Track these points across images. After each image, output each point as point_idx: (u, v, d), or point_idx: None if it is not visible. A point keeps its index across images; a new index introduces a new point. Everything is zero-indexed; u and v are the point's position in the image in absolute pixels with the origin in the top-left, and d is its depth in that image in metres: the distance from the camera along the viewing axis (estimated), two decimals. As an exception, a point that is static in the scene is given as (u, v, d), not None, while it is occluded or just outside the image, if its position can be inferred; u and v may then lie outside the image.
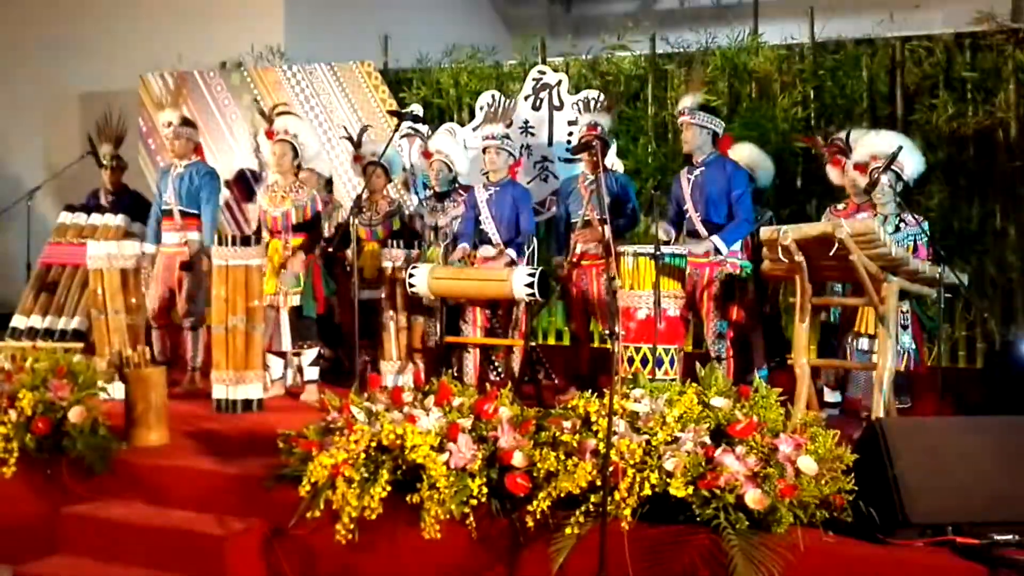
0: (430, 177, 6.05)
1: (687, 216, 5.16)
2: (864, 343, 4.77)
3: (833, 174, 5.44)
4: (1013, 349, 5.16)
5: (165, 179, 6.13)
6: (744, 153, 5.65)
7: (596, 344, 6.08)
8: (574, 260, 5.61)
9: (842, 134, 5.41)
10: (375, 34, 7.57)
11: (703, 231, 5.07)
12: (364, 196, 5.79)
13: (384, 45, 7.54)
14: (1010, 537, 2.96)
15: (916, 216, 4.81)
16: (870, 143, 4.91)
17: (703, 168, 5.16)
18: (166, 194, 6.05)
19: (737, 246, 5.10)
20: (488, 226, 5.61)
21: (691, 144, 5.16)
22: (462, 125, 7.01)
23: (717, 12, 9.80)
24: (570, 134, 6.68)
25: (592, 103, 6.22)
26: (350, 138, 6.49)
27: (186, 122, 6.24)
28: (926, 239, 4.78)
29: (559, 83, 6.79)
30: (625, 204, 5.61)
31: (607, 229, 5.07)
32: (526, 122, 6.82)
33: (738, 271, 5.07)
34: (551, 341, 6.94)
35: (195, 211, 6.03)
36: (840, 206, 5.22)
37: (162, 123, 6.20)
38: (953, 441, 3.22)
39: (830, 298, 4.84)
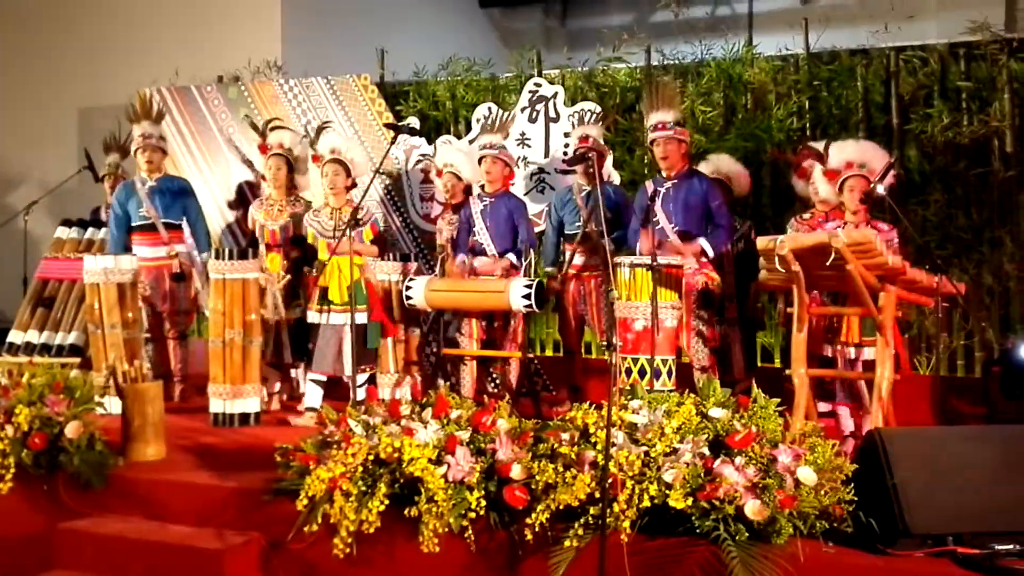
0: (442, 193, 6.04)
1: (658, 228, 5.15)
2: (851, 352, 4.74)
3: (799, 185, 5.48)
4: (1013, 352, 5.16)
5: (133, 195, 6.10)
6: (720, 163, 5.70)
7: (594, 355, 6.08)
8: (571, 271, 5.62)
9: (819, 144, 5.41)
10: (372, 48, 7.59)
11: (678, 242, 5.07)
12: (324, 201, 5.62)
13: (381, 58, 7.56)
14: (1011, 547, 2.95)
15: (888, 224, 4.79)
16: (845, 150, 4.88)
17: (676, 181, 5.18)
18: (142, 209, 6.03)
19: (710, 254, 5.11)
20: (483, 237, 5.61)
21: (672, 158, 5.18)
22: (459, 138, 7.02)
23: (712, 24, 9.85)
24: (566, 146, 6.69)
25: (586, 116, 6.25)
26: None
27: (162, 136, 6.28)
28: (894, 246, 4.72)
29: (555, 95, 6.80)
30: (623, 215, 5.62)
31: (605, 241, 5.08)
32: (522, 134, 6.82)
33: (712, 282, 5.06)
34: (548, 352, 6.94)
35: (176, 222, 6.07)
36: (806, 215, 5.22)
37: (139, 135, 6.17)
38: (953, 450, 3.21)
39: (828, 307, 4.83)
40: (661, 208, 5.17)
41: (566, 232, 5.77)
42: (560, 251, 5.86)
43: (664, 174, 5.23)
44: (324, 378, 5.36)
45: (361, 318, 5.22)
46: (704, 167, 5.69)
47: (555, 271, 5.79)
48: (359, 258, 5.30)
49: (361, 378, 5.31)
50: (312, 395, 5.38)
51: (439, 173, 6.04)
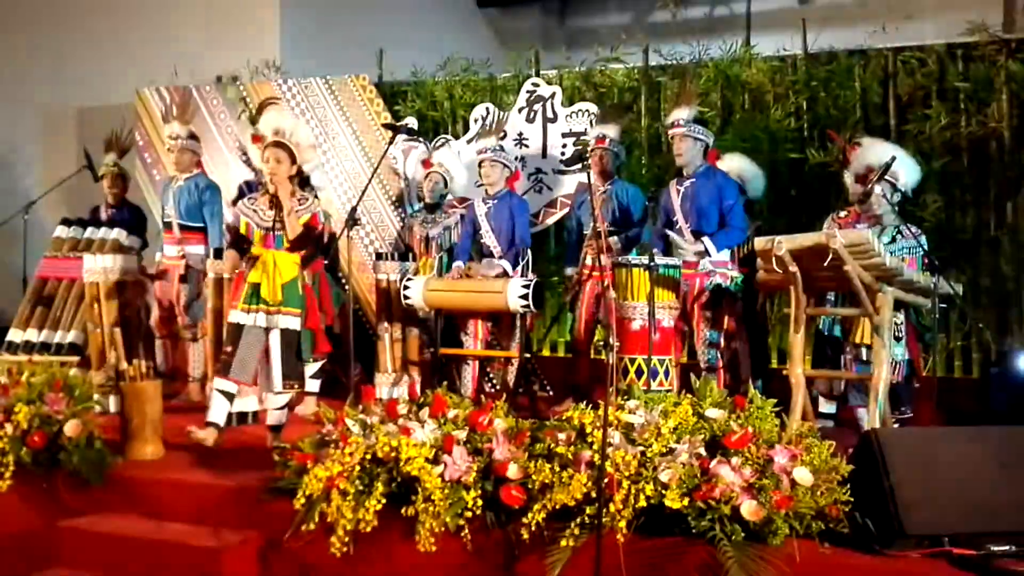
0: (424, 188, 6.06)
1: (676, 227, 5.18)
2: (864, 353, 4.76)
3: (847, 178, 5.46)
4: (1010, 361, 5.16)
5: (167, 193, 6.22)
6: (734, 163, 5.69)
7: (602, 356, 6.08)
8: (585, 270, 5.63)
9: (864, 140, 5.38)
10: (370, 48, 7.60)
11: (689, 238, 5.08)
12: (257, 190, 5.29)
13: (379, 59, 7.56)
14: (1006, 548, 2.96)
15: (914, 229, 4.81)
16: (866, 154, 4.91)
17: (694, 180, 5.18)
18: (167, 207, 6.14)
19: (727, 256, 5.11)
20: (488, 239, 5.63)
21: (685, 156, 5.18)
22: (456, 138, 7.03)
23: (710, 24, 9.86)
24: (564, 146, 6.70)
25: (595, 115, 6.25)
26: (251, 117, 6.40)
27: (192, 136, 6.28)
28: (920, 253, 4.77)
29: (553, 95, 6.81)
30: (636, 213, 5.63)
31: (610, 240, 5.11)
32: (520, 134, 6.84)
33: (728, 282, 5.09)
34: (546, 352, 6.95)
35: (195, 224, 6.10)
36: (843, 213, 5.22)
37: (168, 135, 6.25)
38: (949, 451, 3.22)
39: (825, 308, 4.84)
40: (679, 207, 5.18)
41: (585, 232, 5.79)
42: (578, 250, 5.86)
43: (684, 173, 5.23)
44: (235, 388, 4.51)
45: (293, 323, 4.54)
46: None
47: (574, 270, 5.80)
48: (296, 255, 4.62)
49: (283, 399, 4.61)
50: (219, 409, 4.52)
51: (427, 164, 6.04)
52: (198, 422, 5.20)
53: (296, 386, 4.63)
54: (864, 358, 4.73)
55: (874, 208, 4.83)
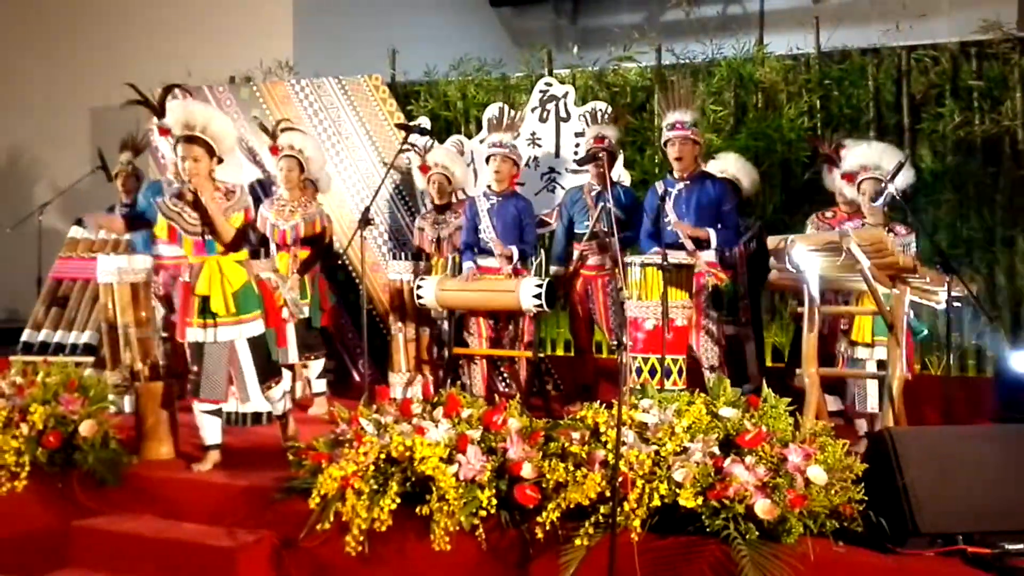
0: (433, 193, 6.06)
1: (669, 228, 5.16)
2: (861, 352, 4.74)
3: (828, 179, 5.47)
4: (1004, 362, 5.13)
5: (160, 193, 6.18)
6: (728, 164, 5.69)
7: (604, 355, 6.08)
8: (578, 270, 5.63)
9: (846, 142, 5.39)
10: (383, 48, 7.61)
11: (689, 244, 5.08)
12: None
13: (392, 59, 7.57)
14: (1021, 546, 2.96)
15: (906, 227, 4.78)
16: (860, 154, 4.87)
17: (688, 182, 5.18)
18: None
19: (713, 257, 5.12)
20: (488, 235, 5.60)
21: (687, 159, 5.18)
22: (469, 137, 7.03)
23: (723, 23, 9.83)
24: (577, 145, 6.70)
25: (599, 115, 6.25)
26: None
27: None
28: (913, 250, 4.71)
29: (565, 95, 6.80)
30: (633, 216, 5.63)
31: (615, 240, 5.10)
32: (533, 134, 6.83)
33: (720, 283, 5.08)
34: (559, 352, 6.95)
35: None
36: (828, 213, 5.21)
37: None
38: (963, 450, 3.22)
39: (838, 307, 4.82)
40: (672, 208, 5.17)
41: (575, 231, 5.78)
42: (568, 250, 5.87)
43: (676, 174, 5.23)
44: (217, 407, 4.34)
45: (257, 328, 4.30)
46: (712, 167, 5.69)
47: (561, 269, 5.79)
48: (243, 254, 4.30)
49: (277, 392, 4.47)
50: (211, 430, 4.34)
51: (424, 169, 6.04)
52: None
53: (274, 382, 4.43)
54: (860, 356, 4.71)
55: (866, 207, 4.77)
